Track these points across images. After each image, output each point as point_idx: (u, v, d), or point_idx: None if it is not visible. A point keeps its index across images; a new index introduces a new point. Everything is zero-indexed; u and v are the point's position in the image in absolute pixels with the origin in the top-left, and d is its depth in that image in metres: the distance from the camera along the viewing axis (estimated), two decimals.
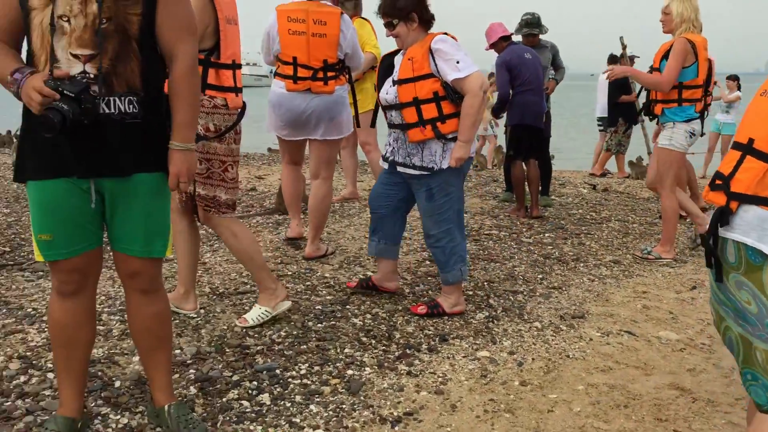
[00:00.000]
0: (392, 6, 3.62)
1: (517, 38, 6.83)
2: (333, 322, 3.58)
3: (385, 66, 3.79)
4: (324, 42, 4.31)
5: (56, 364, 2.43)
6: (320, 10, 4.33)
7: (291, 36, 4.31)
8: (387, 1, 3.65)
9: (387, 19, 3.67)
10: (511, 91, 6.32)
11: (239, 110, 3.31)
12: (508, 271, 4.66)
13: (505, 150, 7.55)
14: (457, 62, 3.46)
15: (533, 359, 3.25)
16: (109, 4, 2.10)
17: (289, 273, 4.39)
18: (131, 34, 2.13)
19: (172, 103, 2.23)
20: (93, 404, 2.66)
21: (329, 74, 4.34)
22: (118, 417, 2.58)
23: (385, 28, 3.74)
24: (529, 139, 6.41)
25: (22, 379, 2.84)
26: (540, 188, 6.64)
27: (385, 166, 3.81)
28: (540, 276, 4.58)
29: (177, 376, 2.90)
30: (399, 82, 3.59)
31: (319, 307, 3.80)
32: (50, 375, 2.84)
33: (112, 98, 2.13)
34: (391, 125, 3.73)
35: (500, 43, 6.48)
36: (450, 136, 3.54)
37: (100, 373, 2.90)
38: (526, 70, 6.27)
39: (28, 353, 3.06)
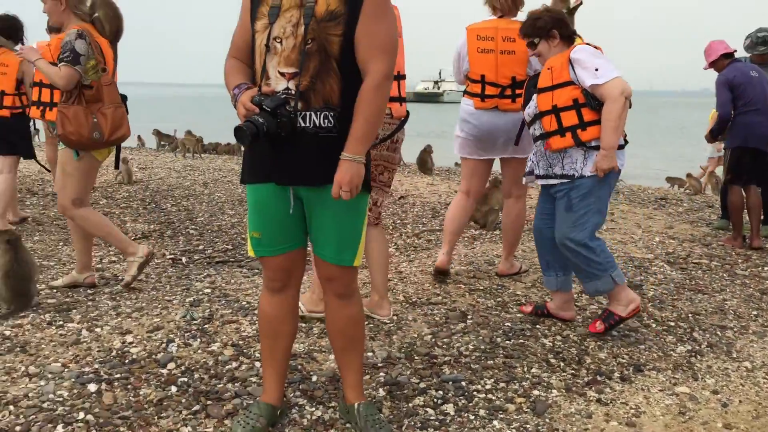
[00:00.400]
0: (532, 26, 3.68)
1: (740, 55, 6.31)
2: (522, 341, 3.55)
3: (531, 86, 3.77)
4: (512, 59, 4.27)
5: (262, 353, 2.67)
6: (510, 27, 4.28)
7: (479, 54, 4.32)
8: (527, 21, 3.74)
9: (528, 39, 3.73)
10: (732, 112, 5.86)
11: (402, 119, 3.42)
12: (718, 304, 4.31)
13: (722, 174, 6.99)
14: (596, 69, 3.42)
15: (740, 401, 2.98)
16: (313, 26, 2.26)
17: (481, 288, 4.42)
18: (331, 54, 2.27)
19: (354, 116, 2.30)
20: (292, 395, 2.87)
21: (517, 91, 4.29)
22: (313, 409, 2.77)
23: (528, 48, 3.79)
24: (752, 162, 5.88)
25: (234, 365, 3.14)
26: (762, 217, 6.06)
27: (523, 180, 3.88)
28: (755, 312, 4.19)
29: (368, 377, 3.04)
30: (538, 91, 3.60)
31: (509, 324, 3.78)
32: (257, 364, 3.11)
33: (308, 113, 2.28)
34: (534, 139, 3.72)
35: (721, 61, 6.03)
36: (592, 144, 3.47)
37: (299, 367, 3.12)
38: (751, 89, 5.78)
39: (240, 342, 3.38)
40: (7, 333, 3.42)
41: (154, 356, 3.18)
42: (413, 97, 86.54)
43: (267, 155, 2.34)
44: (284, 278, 2.54)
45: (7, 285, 3.76)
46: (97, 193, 7.76)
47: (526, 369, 3.22)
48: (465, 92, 4.47)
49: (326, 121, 2.29)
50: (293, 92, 2.28)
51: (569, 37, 3.68)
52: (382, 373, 3.11)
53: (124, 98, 4.13)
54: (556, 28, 3.63)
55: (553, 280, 3.80)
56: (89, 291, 4.17)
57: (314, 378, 3.03)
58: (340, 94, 2.29)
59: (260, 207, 2.44)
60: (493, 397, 2.94)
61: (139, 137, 16.11)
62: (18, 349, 3.23)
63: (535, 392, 3.00)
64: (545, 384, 3.08)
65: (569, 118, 3.50)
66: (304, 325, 3.59)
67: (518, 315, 3.94)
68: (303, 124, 2.28)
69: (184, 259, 5.04)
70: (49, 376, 2.95)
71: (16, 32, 5.64)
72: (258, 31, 2.34)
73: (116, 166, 4.44)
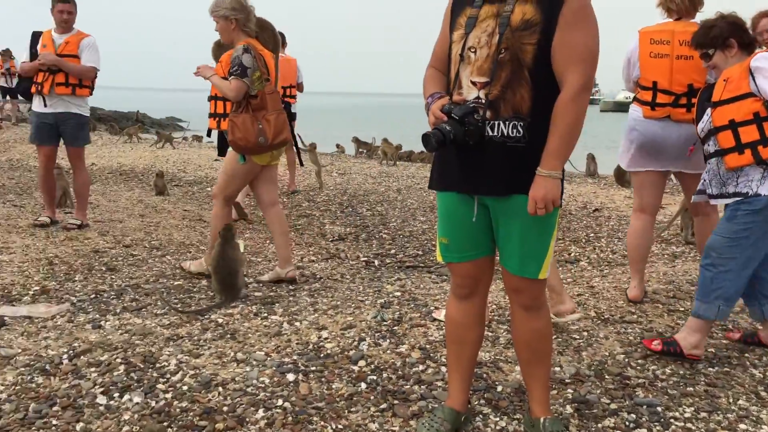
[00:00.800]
0: (705, 35, 3.36)
1: None
2: (727, 369, 3.27)
3: (705, 99, 3.40)
4: (690, 65, 3.89)
5: (448, 358, 2.70)
6: (687, 30, 3.85)
7: (652, 59, 3.99)
8: (699, 30, 3.41)
9: (702, 51, 3.40)
10: None
11: None
12: None
13: None
14: None
15: None
16: (508, 35, 2.24)
17: (681, 309, 4.11)
18: (524, 63, 2.24)
19: (550, 129, 2.25)
20: (476, 402, 2.87)
21: (693, 100, 3.83)
22: (497, 419, 2.75)
23: (702, 60, 3.46)
24: None
25: (420, 368, 3.20)
26: None
27: (692, 199, 3.59)
28: None
29: (555, 392, 2.96)
30: (713, 105, 3.25)
31: (712, 350, 3.49)
32: (443, 368, 3.15)
33: (497, 122, 2.26)
34: (707, 156, 3.37)
35: None
36: None
37: (485, 376, 3.12)
38: None
39: (427, 346, 3.44)
40: (220, 321, 3.77)
41: (346, 353, 3.33)
42: (613, 106, 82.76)
43: (454, 163, 2.37)
44: (471, 285, 2.55)
45: (216, 278, 4.14)
46: (300, 196, 8.30)
47: (731, 400, 2.96)
48: (634, 99, 4.16)
49: (515, 131, 2.26)
50: (483, 101, 2.29)
51: (749, 45, 3.31)
52: (570, 390, 3.01)
53: (287, 105, 4.47)
54: (733, 36, 3.30)
55: (758, 310, 3.45)
56: (291, 287, 4.47)
57: (499, 388, 3.01)
58: (531, 104, 2.25)
59: (448, 214, 2.48)
60: (693, 427, 2.73)
61: (337, 145, 16.95)
62: (228, 336, 3.55)
63: (742, 426, 2.75)
64: (754, 418, 2.81)
65: (749, 134, 3.16)
66: (490, 333, 3.58)
67: (724, 341, 3.63)
68: (491, 134, 2.28)
69: (376, 262, 5.24)
70: (254, 363, 3.20)
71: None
72: (455, 41, 2.38)
73: (300, 164, 5.05)
